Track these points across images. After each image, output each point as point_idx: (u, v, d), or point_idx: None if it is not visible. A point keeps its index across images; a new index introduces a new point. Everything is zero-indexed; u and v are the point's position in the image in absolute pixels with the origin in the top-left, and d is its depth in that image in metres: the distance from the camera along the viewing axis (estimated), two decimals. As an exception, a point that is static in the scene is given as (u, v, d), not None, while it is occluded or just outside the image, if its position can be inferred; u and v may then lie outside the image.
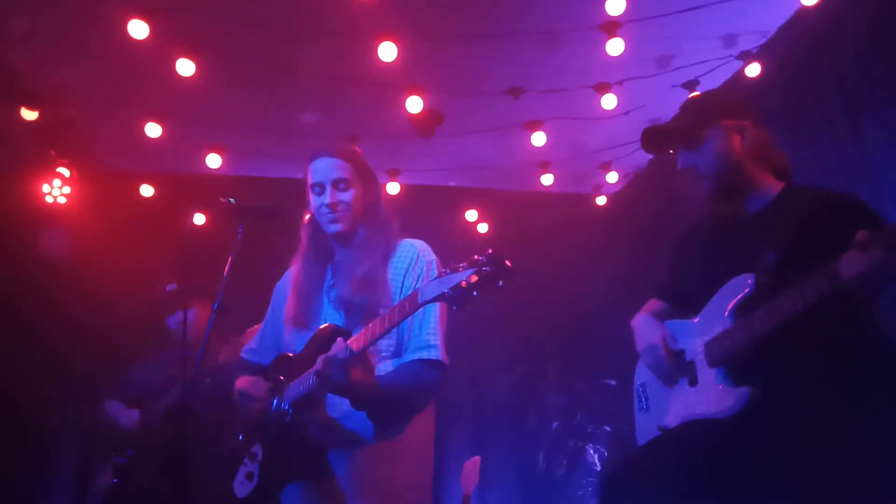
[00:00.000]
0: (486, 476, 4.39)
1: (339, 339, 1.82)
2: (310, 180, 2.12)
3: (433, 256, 2.15)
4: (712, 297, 1.86)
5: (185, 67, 3.38)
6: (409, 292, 2.02)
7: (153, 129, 3.93)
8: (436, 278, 1.65)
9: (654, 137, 2.00)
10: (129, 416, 3.38)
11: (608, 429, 4.76)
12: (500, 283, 1.56)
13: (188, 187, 4.43)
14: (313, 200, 2.13)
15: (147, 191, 4.52)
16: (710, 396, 1.79)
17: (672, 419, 1.90)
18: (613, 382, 4.82)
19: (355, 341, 1.83)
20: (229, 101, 3.86)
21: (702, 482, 1.70)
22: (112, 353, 4.18)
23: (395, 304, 1.82)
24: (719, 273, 1.84)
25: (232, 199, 2.12)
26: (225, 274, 2.11)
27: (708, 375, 1.82)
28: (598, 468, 4.71)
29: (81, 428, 4.09)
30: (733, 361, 1.77)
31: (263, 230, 2.24)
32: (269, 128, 4.02)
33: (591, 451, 4.77)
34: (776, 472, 1.65)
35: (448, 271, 1.62)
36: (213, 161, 4.24)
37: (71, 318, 4.34)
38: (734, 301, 1.79)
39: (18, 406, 4.01)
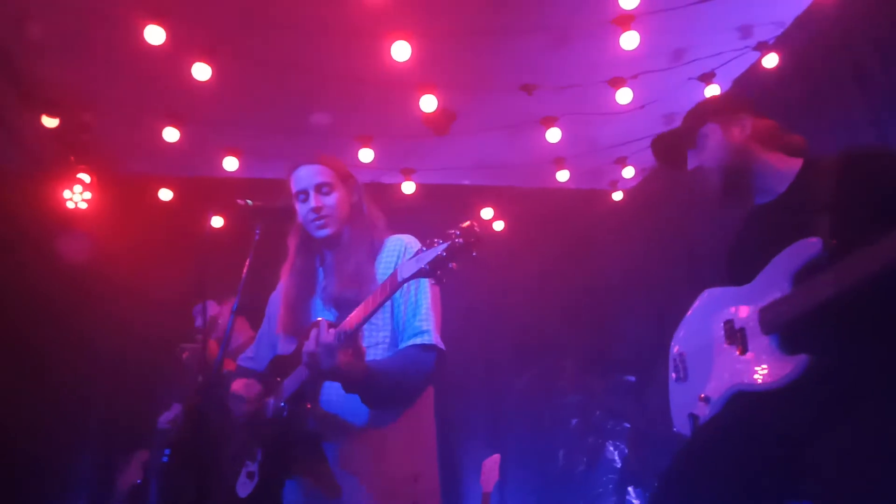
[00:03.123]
0: (506, 474, 4.39)
1: (323, 325, 1.83)
2: (294, 190, 2.18)
3: (421, 246, 2.18)
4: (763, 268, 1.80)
5: (202, 71, 3.42)
6: None
7: (171, 134, 3.97)
8: (412, 257, 1.68)
9: (662, 144, 2.13)
10: (164, 416, 3.45)
11: (628, 425, 4.73)
12: (474, 252, 1.60)
13: (206, 190, 4.47)
14: (299, 208, 2.18)
15: (166, 194, 4.57)
16: (763, 365, 1.73)
17: (714, 388, 1.83)
18: (632, 378, 4.79)
19: (341, 327, 1.85)
20: (245, 104, 3.90)
21: (758, 462, 1.65)
22: (136, 352, 4.24)
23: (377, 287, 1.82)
24: (766, 256, 1.80)
25: (249, 201, 2.14)
26: (243, 275, 2.14)
27: (761, 343, 1.76)
28: (619, 465, 4.69)
29: (102, 426, 4.13)
30: (791, 329, 1.70)
31: (281, 231, 2.29)
32: (285, 129, 4.05)
33: (611, 448, 4.74)
34: (830, 449, 1.58)
35: (423, 248, 1.66)
36: (230, 164, 4.28)
37: (94, 320, 4.41)
38: (798, 265, 1.71)
39: (37, 404, 4.06)
